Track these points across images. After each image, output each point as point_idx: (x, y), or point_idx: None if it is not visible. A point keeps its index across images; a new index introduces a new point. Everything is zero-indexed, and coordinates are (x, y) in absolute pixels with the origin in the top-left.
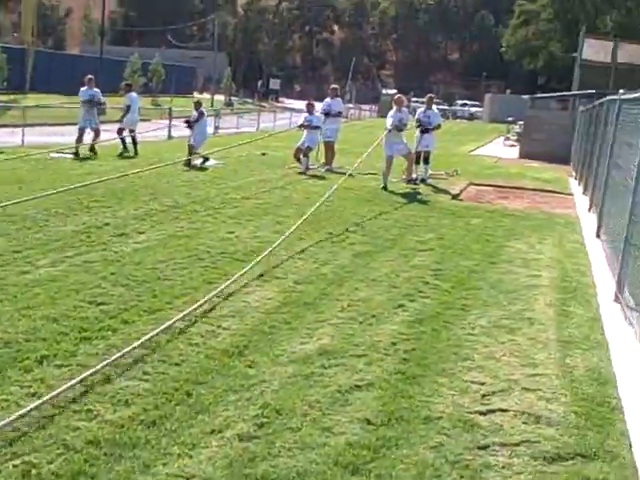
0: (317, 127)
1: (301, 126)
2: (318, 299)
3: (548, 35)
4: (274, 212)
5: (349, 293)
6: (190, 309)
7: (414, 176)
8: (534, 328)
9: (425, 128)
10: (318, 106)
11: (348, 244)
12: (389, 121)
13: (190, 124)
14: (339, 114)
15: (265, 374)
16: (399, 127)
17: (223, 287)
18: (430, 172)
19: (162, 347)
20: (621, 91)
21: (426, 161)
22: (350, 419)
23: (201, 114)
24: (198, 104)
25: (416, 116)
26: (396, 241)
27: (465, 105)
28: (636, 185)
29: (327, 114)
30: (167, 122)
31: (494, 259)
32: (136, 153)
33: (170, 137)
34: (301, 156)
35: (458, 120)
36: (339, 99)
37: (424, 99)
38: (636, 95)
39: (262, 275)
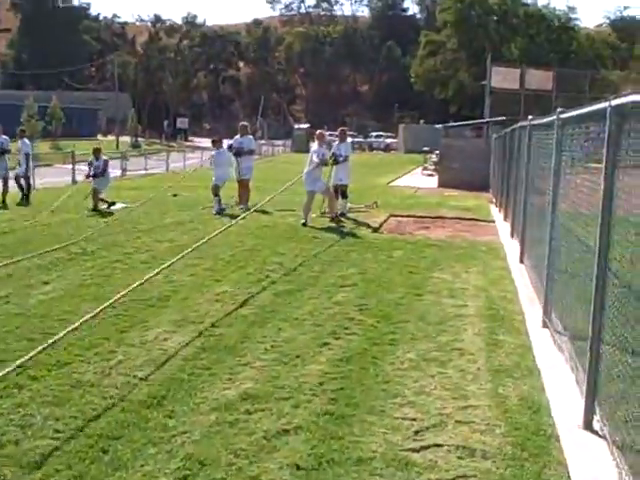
0: (223, 163)
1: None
2: (239, 342)
3: (455, 65)
4: (188, 254)
5: (272, 334)
6: (102, 360)
7: (338, 212)
8: (464, 359)
9: (335, 160)
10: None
11: (268, 283)
12: (314, 156)
13: (96, 175)
14: (251, 152)
15: (186, 424)
16: (323, 162)
17: (136, 335)
18: (349, 205)
19: (74, 402)
20: (530, 117)
21: (343, 195)
22: (279, 465)
23: (106, 164)
24: (97, 151)
25: (332, 150)
26: (318, 278)
27: (380, 136)
28: (553, 209)
29: (238, 154)
30: (70, 167)
31: (420, 291)
32: (27, 201)
33: (74, 181)
34: (212, 196)
35: (374, 152)
36: (250, 137)
37: (337, 132)
38: (544, 120)
39: (178, 320)
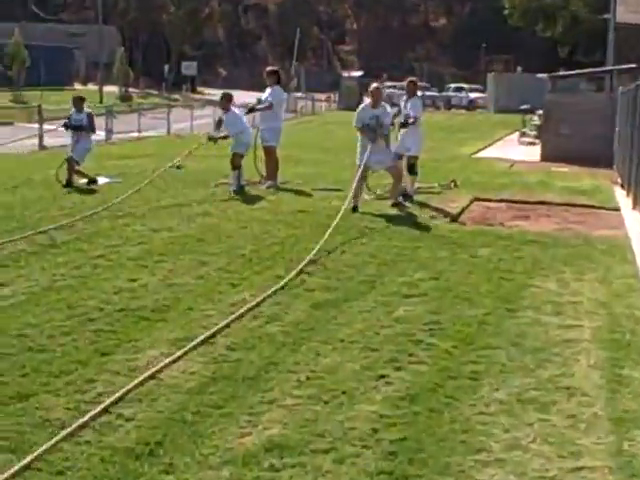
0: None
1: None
2: (263, 371)
3: None
4: (196, 249)
5: (308, 361)
6: (76, 392)
7: (403, 196)
8: (574, 401)
9: (403, 122)
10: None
11: (304, 290)
12: (356, 119)
13: (71, 127)
14: (270, 106)
15: None
16: (373, 129)
17: (123, 359)
18: (417, 185)
19: (37, 449)
20: None
21: (411, 170)
22: None
23: (90, 118)
24: (80, 101)
25: (395, 108)
26: (373, 284)
27: (461, 90)
28: None
29: (251, 110)
30: (37, 126)
31: (513, 305)
32: None
33: (42, 147)
34: (230, 170)
35: (453, 111)
36: (278, 87)
37: (404, 83)
38: None
39: (181, 340)
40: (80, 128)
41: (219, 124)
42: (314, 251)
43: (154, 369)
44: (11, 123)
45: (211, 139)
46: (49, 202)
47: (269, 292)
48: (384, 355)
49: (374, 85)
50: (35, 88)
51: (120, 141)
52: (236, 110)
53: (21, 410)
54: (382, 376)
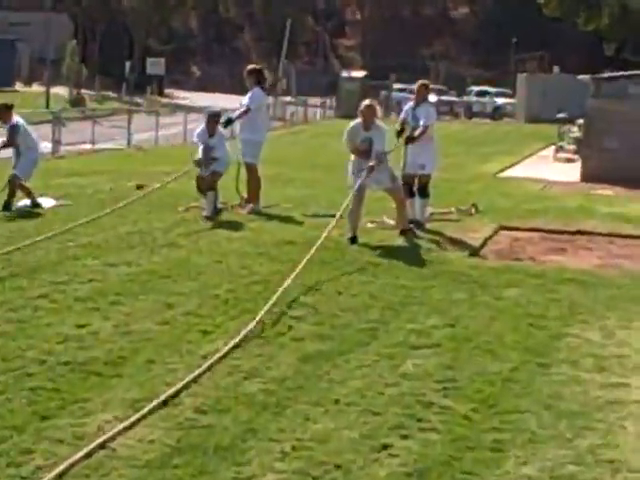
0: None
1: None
2: (240, 439)
3: None
4: (159, 288)
5: (295, 427)
6: (9, 466)
7: (413, 223)
8: (620, 479)
9: (409, 136)
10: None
11: (291, 340)
12: (346, 137)
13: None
14: (252, 112)
15: None
16: (378, 160)
17: (67, 424)
18: (431, 210)
19: None
20: None
21: (422, 192)
22: None
23: (13, 130)
24: (3, 111)
25: (401, 115)
26: (375, 332)
27: (486, 94)
28: None
29: (228, 122)
30: None
31: (545, 359)
32: None
33: None
34: (206, 190)
35: (475, 120)
36: (258, 90)
37: (414, 87)
38: None
39: (139, 401)
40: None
41: (206, 152)
42: (276, 295)
43: (105, 437)
44: None
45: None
46: None
47: (236, 340)
48: (388, 420)
49: (365, 103)
50: None
51: (70, 154)
52: (222, 131)
53: None
54: (385, 446)
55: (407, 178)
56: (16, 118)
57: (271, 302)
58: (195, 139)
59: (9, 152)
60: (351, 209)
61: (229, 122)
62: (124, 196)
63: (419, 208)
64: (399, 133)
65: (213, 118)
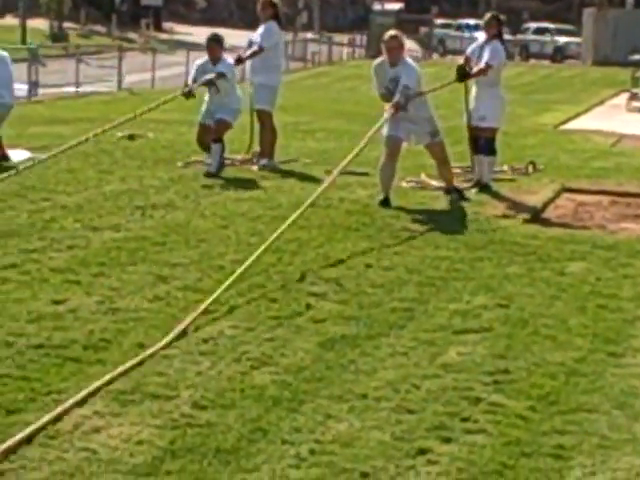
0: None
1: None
2: (246, 440)
3: None
4: (152, 257)
5: (313, 427)
6: None
7: (476, 186)
8: None
9: (463, 71)
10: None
11: (311, 321)
12: (375, 83)
13: None
14: (260, 50)
15: None
16: (408, 98)
17: (41, 423)
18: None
19: None
20: None
21: (486, 147)
22: None
23: None
24: None
25: (467, 51)
26: (411, 313)
27: (545, 32)
28: None
29: (239, 61)
30: None
31: (617, 347)
32: None
33: None
34: (211, 142)
35: (533, 62)
36: (273, 24)
37: (480, 21)
38: None
39: (124, 392)
40: None
41: (209, 84)
42: (246, 262)
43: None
44: None
45: (189, 93)
46: None
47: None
48: (426, 419)
49: (389, 34)
50: None
51: (49, 99)
52: (230, 60)
53: None
54: (422, 451)
55: (470, 131)
56: None
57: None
58: (193, 70)
59: None
60: (382, 165)
61: (239, 62)
62: (109, 148)
63: (483, 167)
64: (461, 71)
65: (214, 41)
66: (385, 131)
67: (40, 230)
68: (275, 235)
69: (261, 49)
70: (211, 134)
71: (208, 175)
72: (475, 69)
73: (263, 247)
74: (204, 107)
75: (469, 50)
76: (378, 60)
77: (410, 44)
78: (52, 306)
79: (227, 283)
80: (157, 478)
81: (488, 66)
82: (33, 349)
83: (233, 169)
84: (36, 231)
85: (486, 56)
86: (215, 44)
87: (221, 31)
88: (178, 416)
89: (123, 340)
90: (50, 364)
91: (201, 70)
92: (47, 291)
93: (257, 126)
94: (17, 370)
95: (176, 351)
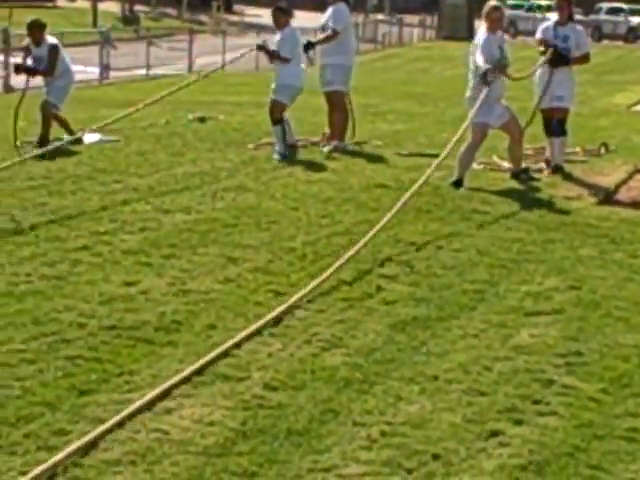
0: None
1: (262, 50)
2: (317, 422)
3: None
4: (223, 239)
5: (384, 408)
6: (39, 450)
7: (553, 167)
8: None
9: (558, 56)
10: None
11: (381, 303)
12: (481, 57)
13: (25, 70)
14: (334, 34)
15: None
16: (497, 68)
17: (108, 398)
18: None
19: None
20: None
21: (559, 128)
22: None
23: (53, 52)
24: (36, 29)
25: (537, 35)
26: (483, 295)
27: (619, 12)
28: None
29: (309, 46)
30: (1, 59)
31: None
32: None
33: (8, 87)
34: (284, 120)
35: (606, 42)
36: (342, 5)
37: (551, 2)
38: None
39: (199, 373)
40: (33, 73)
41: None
42: (360, 245)
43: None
44: None
45: (262, 48)
46: (13, 168)
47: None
48: (497, 402)
49: (491, 4)
50: (1, 5)
51: (120, 81)
52: (296, 31)
53: None
54: (494, 433)
55: (545, 113)
56: (50, 38)
57: (344, 258)
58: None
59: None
60: (465, 149)
61: (310, 46)
62: (180, 131)
63: (556, 148)
64: (558, 56)
65: (279, 10)
66: (475, 117)
67: (112, 212)
68: (385, 220)
69: (335, 33)
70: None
71: (279, 158)
72: (575, 56)
73: (372, 232)
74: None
75: (539, 35)
76: (483, 36)
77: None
78: (124, 288)
79: (336, 265)
80: (228, 459)
81: (588, 55)
82: (105, 330)
83: (304, 151)
84: (108, 213)
85: (575, 41)
86: (279, 12)
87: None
88: (249, 397)
89: (194, 322)
90: (122, 345)
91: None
92: (119, 273)
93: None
94: (89, 351)
95: (248, 331)
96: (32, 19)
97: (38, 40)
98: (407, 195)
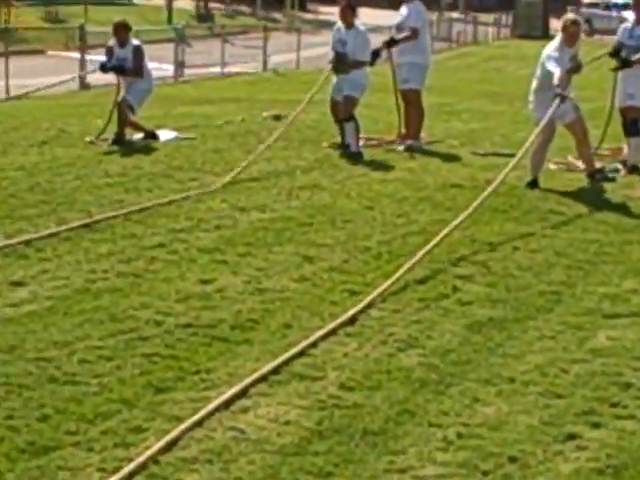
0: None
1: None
2: (393, 423)
3: None
4: (298, 238)
5: (460, 410)
6: (115, 447)
7: (626, 167)
8: None
9: (625, 59)
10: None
11: (457, 304)
12: (553, 64)
13: (110, 70)
14: (414, 33)
15: None
16: (573, 69)
17: (188, 399)
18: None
19: None
20: None
21: (633, 128)
22: None
23: (138, 54)
24: (122, 30)
25: (618, 35)
26: (559, 296)
27: None
28: None
29: (390, 43)
30: (77, 56)
31: None
32: None
33: (84, 85)
34: (343, 122)
35: None
36: (419, 4)
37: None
38: None
39: (275, 372)
40: (121, 72)
41: (337, 50)
42: (428, 247)
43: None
44: (42, 52)
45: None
46: (89, 165)
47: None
48: (575, 404)
49: (570, 17)
50: (77, 2)
51: (195, 79)
52: (361, 27)
53: (37, 470)
54: (571, 436)
55: (622, 112)
56: (134, 40)
57: (418, 257)
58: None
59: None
60: (536, 148)
61: (393, 43)
62: (254, 128)
63: (632, 148)
64: (613, 56)
65: (347, 6)
66: (538, 113)
67: (187, 210)
68: (460, 219)
69: (415, 31)
70: (341, 111)
71: (351, 155)
72: (637, 56)
73: (447, 230)
74: (334, 81)
75: (619, 35)
76: (555, 43)
77: (557, 23)
78: (200, 285)
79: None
80: (304, 458)
81: None
82: (182, 328)
83: (379, 150)
84: (183, 211)
85: None
86: (349, 10)
87: (364, 11)
88: (325, 397)
89: (270, 320)
90: (198, 343)
91: (336, 37)
92: (195, 271)
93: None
94: (166, 349)
95: (323, 330)
96: (119, 20)
97: (123, 41)
98: (484, 195)
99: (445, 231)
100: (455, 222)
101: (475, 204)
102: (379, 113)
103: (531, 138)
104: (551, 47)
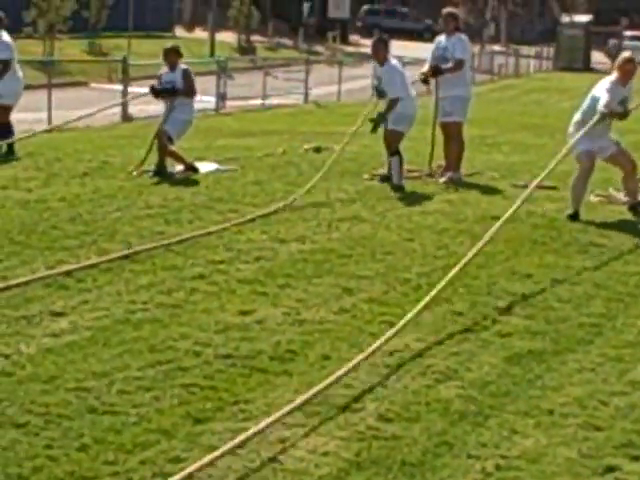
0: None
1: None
2: (431, 454)
3: None
4: (338, 269)
5: (499, 442)
6: (155, 477)
7: None
8: None
9: None
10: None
11: (497, 335)
12: (606, 98)
13: (161, 92)
14: (460, 64)
15: None
16: (615, 114)
17: (227, 430)
18: None
19: None
20: None
21: None
22: None
23: (187, 77)
24: (174, 54)
25: None
26: (600, 329)
27: None
28: None
29: (436, 72)
30: (120, 88)
31: None
32: (11, 152)
33: (126, 117)
34: (387, 155)
35: None
36: (463, 36)
37: None
38: None
39: (310, 404)
40: (172, 92)
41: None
42: (453, 274)
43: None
44: (85, 84)
45: (378, 120)
46: (130, 196)
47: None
48: (614, 437)
49: (626, 55)
50: (120, 35)
51: (237, 111)
52: (394, 61)
53: None
54: (610, 469)
55: None
56: (182, 64)
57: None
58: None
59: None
60: (575, 180)
61: (438, 72)
62: (296, 161)
63: None
64: None
65: (380, 41)
66: (580, 146)
67: (227, 241)
68: (475, 250)
69: (461, 63)
70: (386, 144)
71: (393, 188)
72: None
73: (471, 254)
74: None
75: None
76: (610, 80)
77: (599, 56)
78: (239, 317)
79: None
80: None
81: None
82: (221, 359)
83: (419, 182)
84: (223, 242)
85: None
86: (379, 44)
87: (404, 44)
88: (364, 428)
89: (309, 352)
90: (237, 374)
91: (374, 72)
92: (234, 302)
93: (440, 139)
94: (205, 380)
95: (362, 363)
96: (171, 44)
97: (173, 64)
98: (497, 225)
99: (458, 265)
100: (463, 260)
101: (486, 236)
102: (419, 145)
103: (549, 167)
104: (604, 84)
